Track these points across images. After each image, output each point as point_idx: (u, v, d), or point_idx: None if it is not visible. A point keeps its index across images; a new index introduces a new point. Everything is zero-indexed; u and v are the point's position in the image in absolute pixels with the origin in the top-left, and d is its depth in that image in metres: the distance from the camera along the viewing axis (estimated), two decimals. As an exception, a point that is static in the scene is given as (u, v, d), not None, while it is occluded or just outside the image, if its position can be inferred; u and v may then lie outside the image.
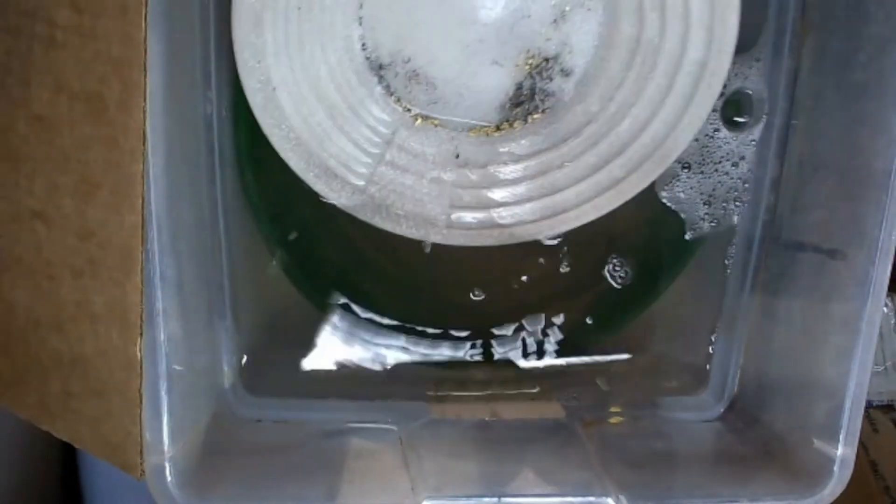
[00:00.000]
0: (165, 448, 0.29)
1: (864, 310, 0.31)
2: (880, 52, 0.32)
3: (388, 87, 0.36)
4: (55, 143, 0.28)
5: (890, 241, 0.30)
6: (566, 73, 0.36)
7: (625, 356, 0.41)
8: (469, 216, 0.37)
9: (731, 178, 0.38)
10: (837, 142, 0.34)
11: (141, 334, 0.28)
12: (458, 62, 0.35)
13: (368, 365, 0.40)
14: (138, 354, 0.29)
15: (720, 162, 0.38)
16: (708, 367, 0.40)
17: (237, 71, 0.34)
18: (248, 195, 0.37)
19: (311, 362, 0.39)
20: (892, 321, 0.45)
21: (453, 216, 0.37)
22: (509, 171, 0.37)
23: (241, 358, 0.38)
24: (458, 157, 0.37)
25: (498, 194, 0.37)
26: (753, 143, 0.38)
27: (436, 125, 0.36)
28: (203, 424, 0.34)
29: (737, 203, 0.38)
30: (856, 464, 0.32)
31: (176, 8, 0.30)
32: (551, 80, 0.36)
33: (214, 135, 0.35)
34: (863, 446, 0.42)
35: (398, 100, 0.36)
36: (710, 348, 0.40)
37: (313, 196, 0.38)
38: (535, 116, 0.37)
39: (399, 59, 0.35)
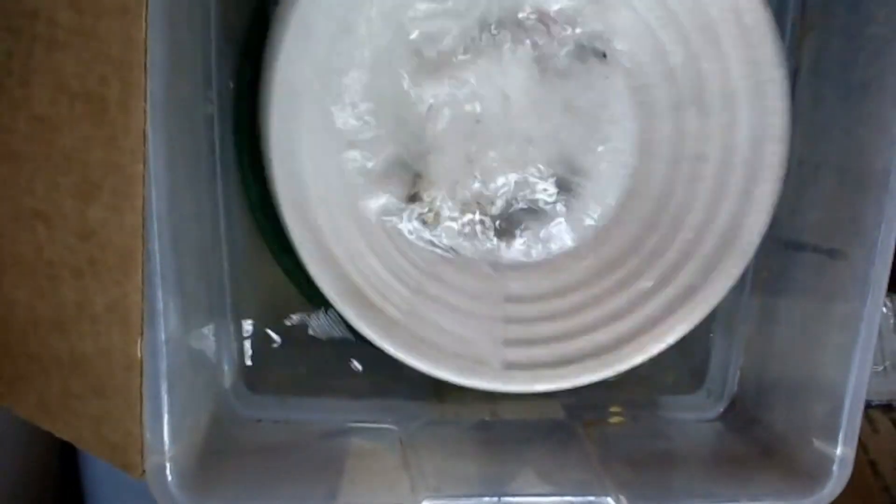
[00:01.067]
0: (166, 448, 0.29)
1: (864, 310, 0.31)
2: (880, 52, 0.32)
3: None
4: (56, 144, 0.28)
5: (889, 241, 0.30)
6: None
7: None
8: (526, 354, 0.34)
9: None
10: (837, 142, 0.34)
11: (141, 334, 0.28)
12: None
13: (368, 365, 0.40)
14: (139, 354, 0.29)
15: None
16: (707, 367, 0.40)
17: (268, 159, 0.32)
18: (248, 195, 0.37)
19: (311, 362, 0.39)
20: (892, 321, 0.45)
21: (508, 355, 0.34)
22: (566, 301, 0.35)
23: (242, 358, 0.38)
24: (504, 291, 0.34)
25: (553, 327, 0.35)
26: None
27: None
28: (203, 424, 0.34)
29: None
30: (855, 463, 0.32)
31: (176, 8, 0.30)
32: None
33: (215, 135, 0.35)
34: (862, 446, 0.42)
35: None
36: (710, 348, 0.40)
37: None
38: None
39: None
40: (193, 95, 0.34)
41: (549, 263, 0.35)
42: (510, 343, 0.34)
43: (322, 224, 0.33)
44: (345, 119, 0.33)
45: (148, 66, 0.27)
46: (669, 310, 0.34)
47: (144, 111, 0.27)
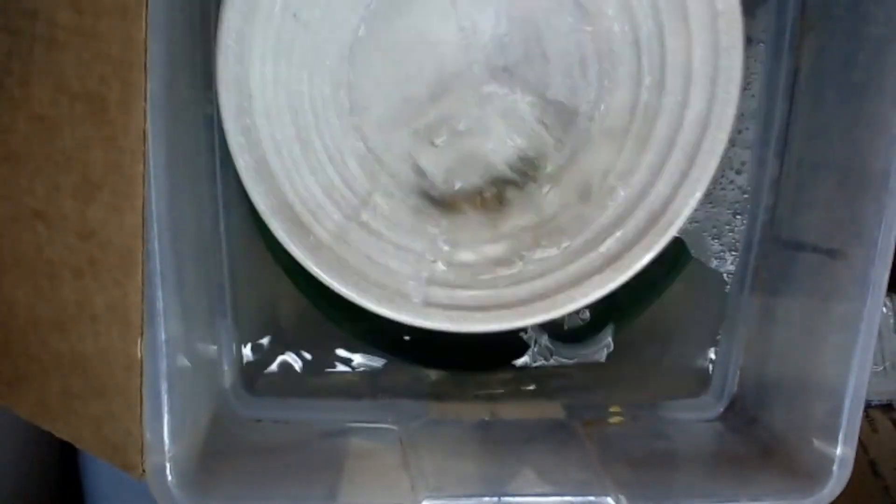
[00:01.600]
0: (166, 448, 0.29)
1: (864, 310, 0.31)
2: (880, 52, 0.31)
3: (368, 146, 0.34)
4: (56, 144, 0.28)
5: (889, 241, 0.30)
6: (561, 143, 0.35)
7: (625, 356, 0.41)
8: (447, 294, 0.34)
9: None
10: (837, 142, 0.34)
11: (141, 334, 0.28)
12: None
13: (368, 365, 0.40)
14: (139, 354, 0.29)
15: (723, 174, 0.38)
16: (708, 367, 0.40)
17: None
18: (248, 195, 0.37)
19: (311, 362, 0.39)
20: (892, 321, 0.45)
21: (430, 293, 0.34)
22: (496, 249, 0.35)
23: (242, 358, 0.38)
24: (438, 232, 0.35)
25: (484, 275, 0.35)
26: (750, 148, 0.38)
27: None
28: (203, 424, 0.34)
29: (738, 216, 0.39)
30: (855, 463, 0.32)
31: (176, 8, 0.30)
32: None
33: (215, 135, 0.35)
34: (862, 446, 0.42)
35: (378, 161, 0.34)
36: (710, 348, 0.40)
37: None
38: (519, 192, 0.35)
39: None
40: (193, 95, 0.34)
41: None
42: (433, 282, 0.34)
43: (262, 133, 0.32)
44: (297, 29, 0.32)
45: (148, 66, 0.27)
46: (588, 274, 0.34)
47: (144, 111, 0.27)
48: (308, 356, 0.39)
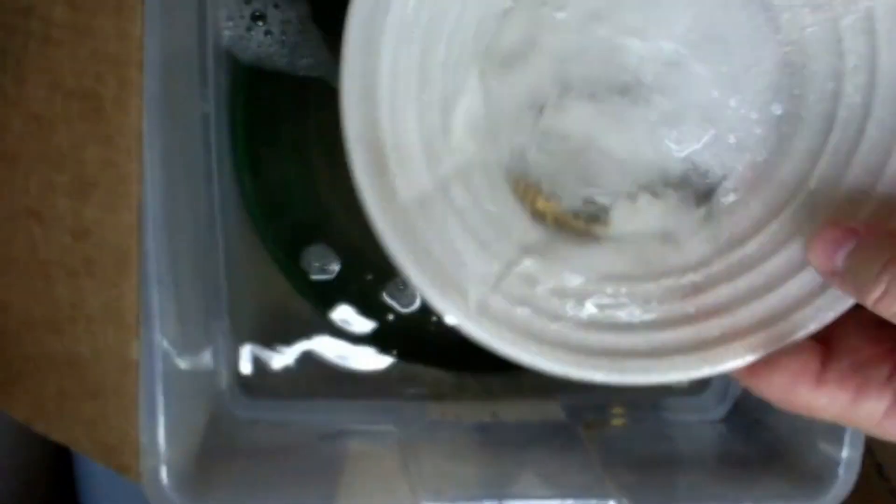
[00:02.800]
0: (161, 450, 0.29)
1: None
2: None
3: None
4: (51, 142, 0.28)
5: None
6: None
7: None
8: (506, 310, 0.29)
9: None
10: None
11: (137, 335, 0.28)
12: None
13: (368, 367, 0.39)
14: (134, 355, 0.28)
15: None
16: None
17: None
18: (245, 195, 0.37)
19: (309, 363, 0.39)
20: None
21: (490, 302, 0.29)
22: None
23: (238, 359, 0.38)
24: None
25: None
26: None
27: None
28: (200, 426, 0.34)
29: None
30: (861, 466, 0.32)
31: (173, 5, 0.30)
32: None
33: (211, 134, 0.35)
34: (868, 448, 0.42)
35: (491, 126, 0.30)
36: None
37: (312, 196, 0.38)
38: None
39: None
40: (189, 94, 0.34)
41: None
42: (498, 290, 0.29)
43: (383, 53, 0.27)
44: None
45: (144, 63, 0.27)
46: (685, 347, 0.28)
47: (140, 109, 0.27)
48: (306, 357, 0.39)
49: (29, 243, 0.29)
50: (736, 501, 0.32)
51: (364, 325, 0.39)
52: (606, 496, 0.32)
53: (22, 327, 0.30)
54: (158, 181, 0.28)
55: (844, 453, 0.32)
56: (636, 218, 0.30)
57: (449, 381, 0.39)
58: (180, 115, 0.32)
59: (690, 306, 0.28)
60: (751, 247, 0.29)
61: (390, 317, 0.39)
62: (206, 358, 0.36)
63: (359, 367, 0.39)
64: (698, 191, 0.30)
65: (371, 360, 0.39)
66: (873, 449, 0.42)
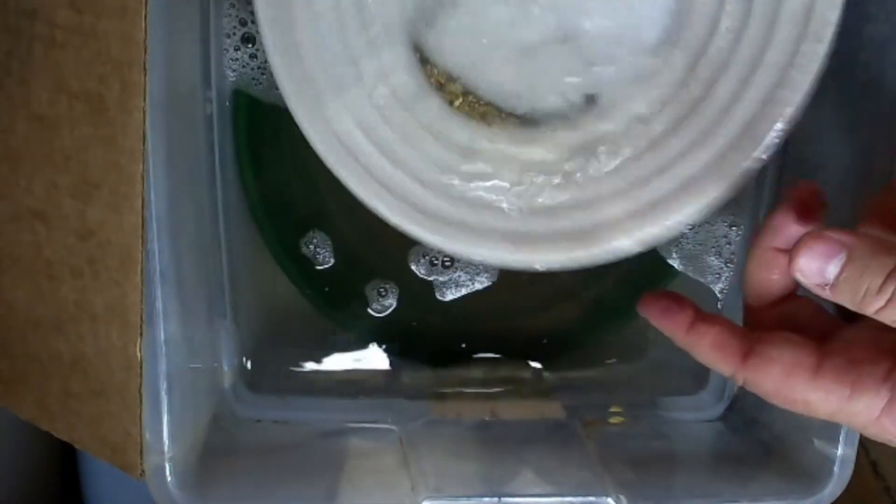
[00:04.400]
0: (165, 448, 0.29)
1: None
2: (880, 52, 0.31)
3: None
4: (55, 143, 0.28)
5: (890, 240, 0.30)
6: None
7: (625, 356, 0.41)
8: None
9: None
10: (837, 142, 0.34)
11: (141, 334, 0.28)
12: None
13: (368, 365, 0.40)
14: (138, 354, 0.28)
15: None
16: (708, 367, 0.40)
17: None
18: (247, 195, 0.37)
19: (311, 362, 0.39)
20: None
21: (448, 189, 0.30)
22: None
23: (242, 358, 0.38)
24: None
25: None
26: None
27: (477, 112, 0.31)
28: (203, 424, 0.34)
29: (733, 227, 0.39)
30: (856, 464, 0.32)
31: (176, 8, 0.30)
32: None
33: (214, 135, 0.35)
34: (863, 446, 0.42)
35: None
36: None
37: (313, 196, 0.38)
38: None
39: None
40: (193, 95, 0.34)
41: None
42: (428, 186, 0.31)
43: None
44: None
45: (147, 65, 0.27)
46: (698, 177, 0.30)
47: (144, 111, 0.27)
48: (308, 356, 0.39)
49: (33, 243, 0.29)
50: (732, 498, 0.32)
51: (365, 324, 0.39)
52: (605, 493, 0.32)
53: (27, 327, 0.30)
54: (162, 182, 0.28)
55: (839, 451, 0.32)
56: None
57: (449, 380, 0.39)
58: (184, 116, 0.32)
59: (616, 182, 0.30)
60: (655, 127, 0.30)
61: (390, 316, 0.39)
62: (210, 357, 0.36)
63: (360, 366, 0.39)
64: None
65: (372, 359, 0.40)
66: (868, 447, 0.43)
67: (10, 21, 0.28)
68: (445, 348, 0.40)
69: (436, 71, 0.30)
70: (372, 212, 0.31)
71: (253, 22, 0.36)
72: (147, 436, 0.29)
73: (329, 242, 0.38)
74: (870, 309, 0.24)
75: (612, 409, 0.39)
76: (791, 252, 0.26)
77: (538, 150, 0.31)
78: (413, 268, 0.39)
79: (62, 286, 0.29)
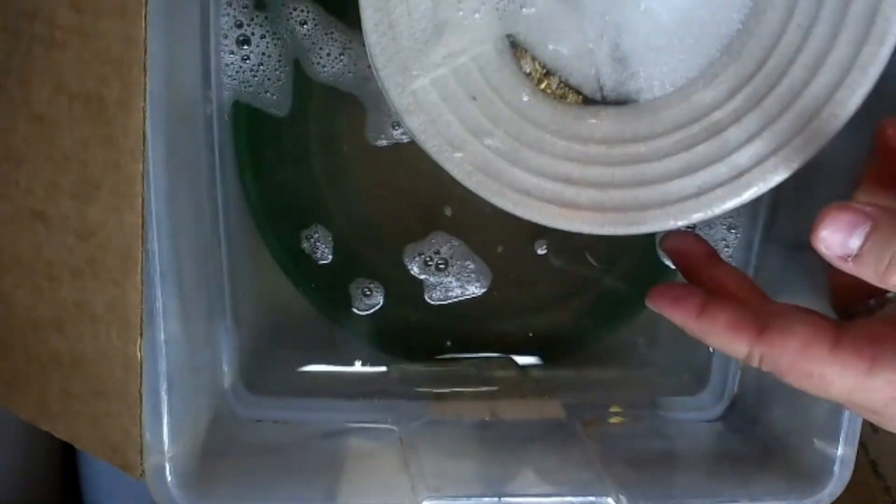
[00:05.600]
0: (165, 448, 0.29)
1: (865, 309, 0.31)
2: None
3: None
4: (55, 143, 0.28)
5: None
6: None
7: (625, 356, 0.41)
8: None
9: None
10: (838, 141, 0.34)
11: (141, 334, 0.28)
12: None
13: (368, 365, 0.40)
14: (138, 354, 0.28)
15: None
16: (708, 367, 0.40)
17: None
18: (247, 195, 0.37)
19: (311, 362, 0.39)
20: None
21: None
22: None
23: (241, 358, 0.38)
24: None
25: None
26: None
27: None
28: (203, 424, 0.34)
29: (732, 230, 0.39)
30: (856, 463, 0.32)
31: (176, 8, 0.30)
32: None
33: (214, 135, 0.35)
34: (863, 446, 0.42)
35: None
36: (711, 348, 0.40)
37: (313, 197, 0.38)
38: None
39: None
40: (193, 95, 0.34)
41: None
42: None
43: None
44: None
45: (147, 65, 0.27)
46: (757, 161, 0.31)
47: (144, 111, 0.27)
48: (308, 356, 0.39)
49: (34, 244, 0.29)
50: (733, 498, 0.32)
51: (365, 323, 0.39)
52: (605, 493, 0.32)
53: (27, 327, 0.30)
54: (162, 182, 0.28)
55: (840, 451, 0.32)
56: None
57: (449, 380, 0.39)
58: (184, 116, 0.32)
59: (668, 164, 0.31)
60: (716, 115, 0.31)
61: (391, 315, 0.39)
62: (210, 357, 0.36)
63: (360, 366, 0.39)
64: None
65: (372, 359, 0.40)
66: (868, 447, 0.43)
67: (10, 21, 0.28)
68: (447, 348, 0.40)
69: (525, 56, 0.32)
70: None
71: (248, 24, 0.36)
72: (147, 436, 0.29)
73: (329, 239, 0.38)
74: (893, 280, 0.24)
75: (612, 409, 0.39)
76: (814, 224, 0.25)
77: (602, 128, 0.32)
78: (409, 266, 0.39)
79: (62, 286, 0.29)
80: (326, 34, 0.36)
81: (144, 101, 0.27)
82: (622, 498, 0.32)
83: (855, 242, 0.24)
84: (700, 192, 0.31)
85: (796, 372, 0.26)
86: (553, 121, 0.32)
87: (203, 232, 0.35)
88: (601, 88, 0.32)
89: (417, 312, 0.39)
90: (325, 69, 0.37)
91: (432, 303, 0.39)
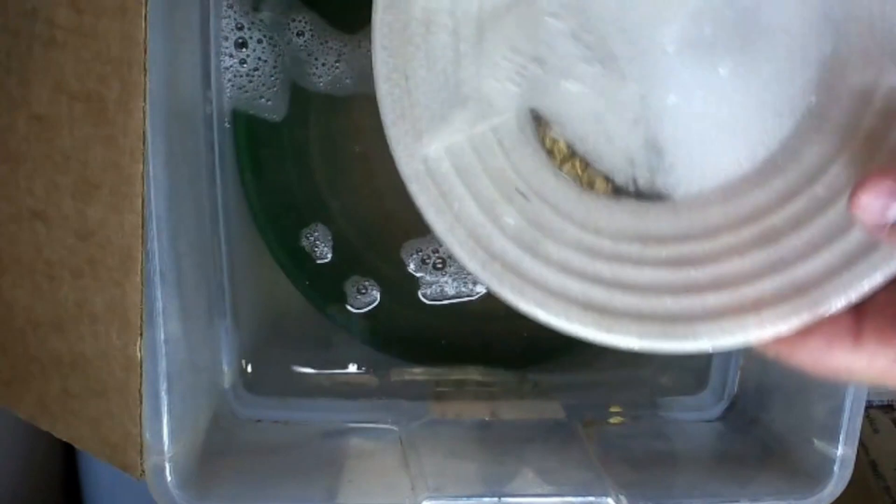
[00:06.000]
0: (165, 448, 0.29)
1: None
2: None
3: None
4: (55, 143, 0.28)
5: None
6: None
7: (625, 356, 0.41)
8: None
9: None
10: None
11: (141, 334, 0.28)
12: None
13: (368, 365, 0.40)
14: (138, 354, 0.29)
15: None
16: (708, 367, 0.40)
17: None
18: (247, 195, 0.37)
19: (311, 362, 0.39)
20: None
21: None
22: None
23: (241, 358, 0.38)
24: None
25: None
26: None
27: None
28: (203, 424, 0.34)
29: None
30: (856, 464, 0.32)
31: (176, 8, 0.30)
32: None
33: (214, 135, 0.35)
34: (863, 446, 0.42)
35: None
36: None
37: (313, 197, 0.38)
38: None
39: None
40: (193, 95, 0.34)
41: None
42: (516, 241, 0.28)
43: None
44: None
45: (147, 65, 0.27)
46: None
47: (144, 111, 0.27)
48: (308, 356, 0.39)
49: (34, 243, 0.29)
50: (732, 498, 0.32)
51: (366, 323, 0.39)
52: (604, 493, 0.32)
53: (27, 326, 0.30)
54: (162, 182, 0.28)
55: (839, 451, 0.32)
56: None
57: (449, 380, 0.39)
58: (184, 116, 0.32)
59: (717, 271, 0.27)
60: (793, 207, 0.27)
61: (391, 314, 0.39)
62: (210, 357, 0.36)
63: (360, 366, 0.39)
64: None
65: (372, 359, 0.40)
66: (868, 447, 0.43)
67: (10, 21, 0.28)
68: (447, 348, 0.40)
69: (549, 132, 0.29)
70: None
71: (249, 28, 0.36)
72: (147, 436, 0.29)
73: (329, 238, 0.38)
74: None
75: (612, 409, 0.39)
76: (854, 188, 0.23)
77: (634, 224, 0.28)
78: (407, 263, 0.39)
79: (62, 286, 0.29)
80: (322, 44, 0.36)
81: (144, 100, 0.27)
82: (622, 498, 0.32)
83: (893, 212, 0.23)
84: (758, 307, 0.26)
85: (818, 368, 0.25)
86: (578, 209, 0.28)
87: (203, 232, 0.35)
88: (634, 179, 0.28)
89: (413, 311, 0.39)
90: (322, 78, 0.37)
91: (427, 302, 0.39)
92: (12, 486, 0.41)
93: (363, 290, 0.39)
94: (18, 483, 0.41)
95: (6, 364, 0.30)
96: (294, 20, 0.36)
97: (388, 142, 0.27)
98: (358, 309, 0.39)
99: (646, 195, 0.28)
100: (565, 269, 0.27)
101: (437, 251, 0.39)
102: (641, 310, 0.27)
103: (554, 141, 0.29)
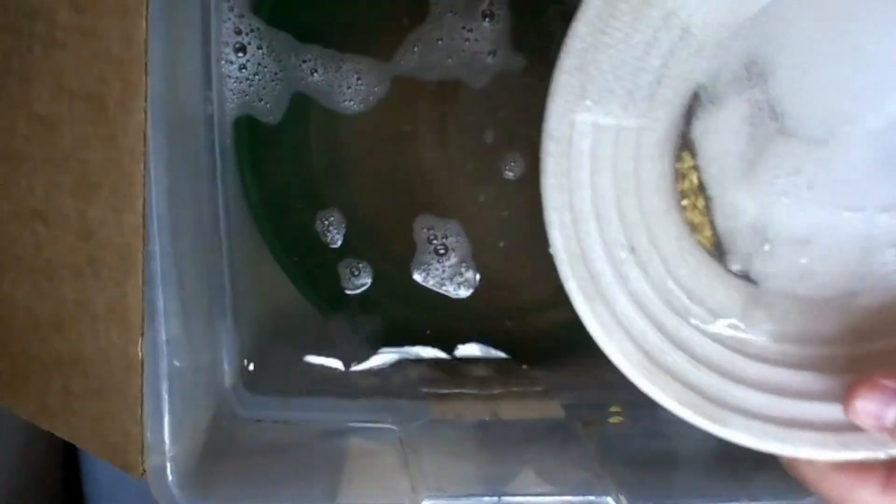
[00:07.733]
0: (166, 448, 0.29)
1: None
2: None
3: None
4: (55, 143, 0.28)
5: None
6: None
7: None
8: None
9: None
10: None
11: (142, 334, 0.28)
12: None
13: (368, 365, 0.40)
14: (139, 354, 0.29)
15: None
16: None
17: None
18: (248, 195, 0.37)
19: (311, 362, 0.39)
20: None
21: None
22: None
23: (242, 357, 0.38)
24: None
25: None
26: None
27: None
28: (204, 424, 0.34)
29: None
30: (855, 463, 0.32)
31: (177, 8, 0.30)
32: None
33: (215, 135, 0.35)
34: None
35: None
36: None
37: (314, 197, 0.38)
38: None
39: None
40: (194, 95, 0.34)
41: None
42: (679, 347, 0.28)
43: None
44: None
45: (148, 65, 0.27)
46: None
47: (144, 110, 0.27)
48: (308, 356, 0.39)
49: (34, 243, 0.29)
50: (732, 498, 0.32)
51: (366, 323, 0.39)
52: (604, 493, 0.32)
53: (27, 326, 0.30)
54: (162, 181, 0.28)
55: (839, 451, 0.32)
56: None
57: (449, 380, 0.40)
58: (184, 116, 0.32)
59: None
60: None
61: (391, 315, 0.39)
62: (210, 356, 0.36)
63: (361, 366, 0.39)
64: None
65: (373, 359, 0.40)
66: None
67: (10, 21, 0.28)
68: (428, 338, 0.40)
69: (689, 159, 0.28)
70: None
71: (248, 32, 0.36)
72: (148, 435, 0.29)
73: (329, 237, 0.39)
74: None
75: (612, 409, 0.39)
76: (847, 396, 0.25)
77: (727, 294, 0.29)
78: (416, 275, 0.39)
79: (62, 286, 0.29)
80: (336, 71, 0.37)
81: (145, 100, 0.27)
82: (622, 498, 0.32)
83: (890, 416, 0.24)
84: (824, 428, 0.26)
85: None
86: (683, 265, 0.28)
87: (204, 232, 0.35)
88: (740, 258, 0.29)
89: (414, 311, 0.39)
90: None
91: (424, 293, 0.39)
92: (12, 485, 0.41)
93: (363, 290, 0.39)
94: (18, 483, 0.41)
95: (6, 363, 0.30)
96: (306, 61, 0.36)
97: (551, 86, 0.26)
98: (359, 310, 0.39)
99: (742, 275, 0.29)
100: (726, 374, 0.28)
101: (439, 259, 0.39)
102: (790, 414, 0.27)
103: (690, 168, 0.28)
